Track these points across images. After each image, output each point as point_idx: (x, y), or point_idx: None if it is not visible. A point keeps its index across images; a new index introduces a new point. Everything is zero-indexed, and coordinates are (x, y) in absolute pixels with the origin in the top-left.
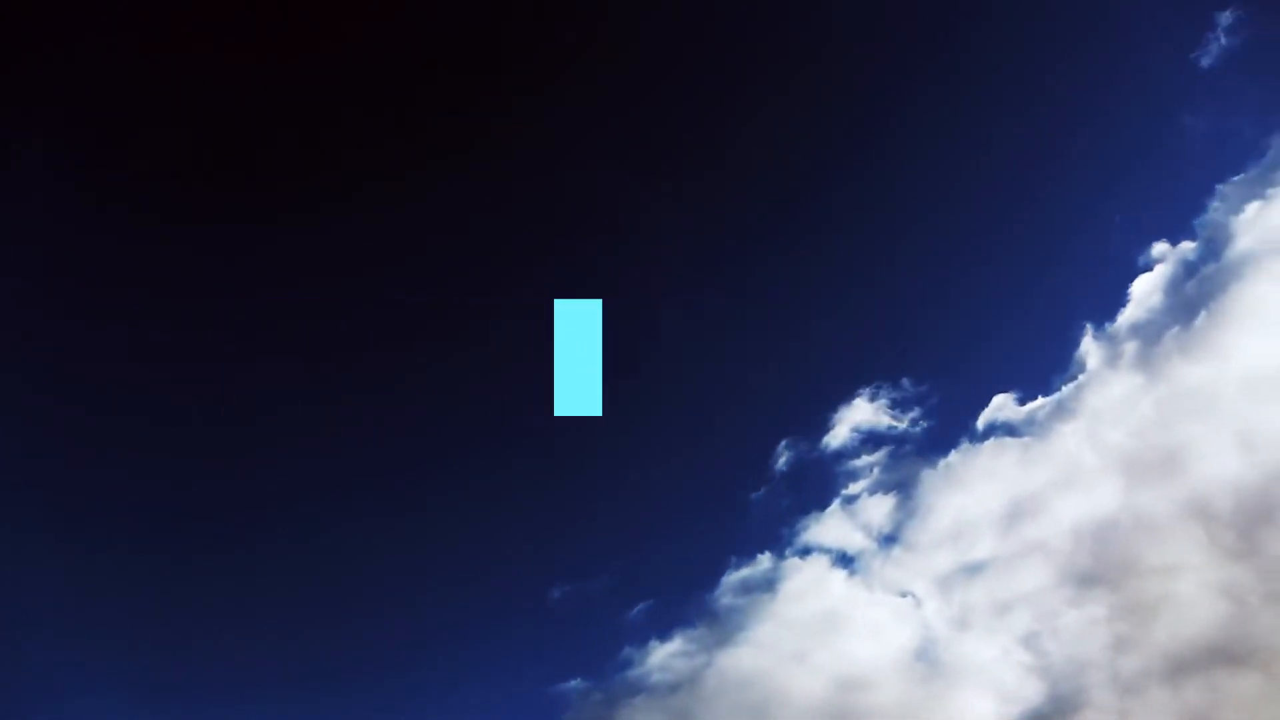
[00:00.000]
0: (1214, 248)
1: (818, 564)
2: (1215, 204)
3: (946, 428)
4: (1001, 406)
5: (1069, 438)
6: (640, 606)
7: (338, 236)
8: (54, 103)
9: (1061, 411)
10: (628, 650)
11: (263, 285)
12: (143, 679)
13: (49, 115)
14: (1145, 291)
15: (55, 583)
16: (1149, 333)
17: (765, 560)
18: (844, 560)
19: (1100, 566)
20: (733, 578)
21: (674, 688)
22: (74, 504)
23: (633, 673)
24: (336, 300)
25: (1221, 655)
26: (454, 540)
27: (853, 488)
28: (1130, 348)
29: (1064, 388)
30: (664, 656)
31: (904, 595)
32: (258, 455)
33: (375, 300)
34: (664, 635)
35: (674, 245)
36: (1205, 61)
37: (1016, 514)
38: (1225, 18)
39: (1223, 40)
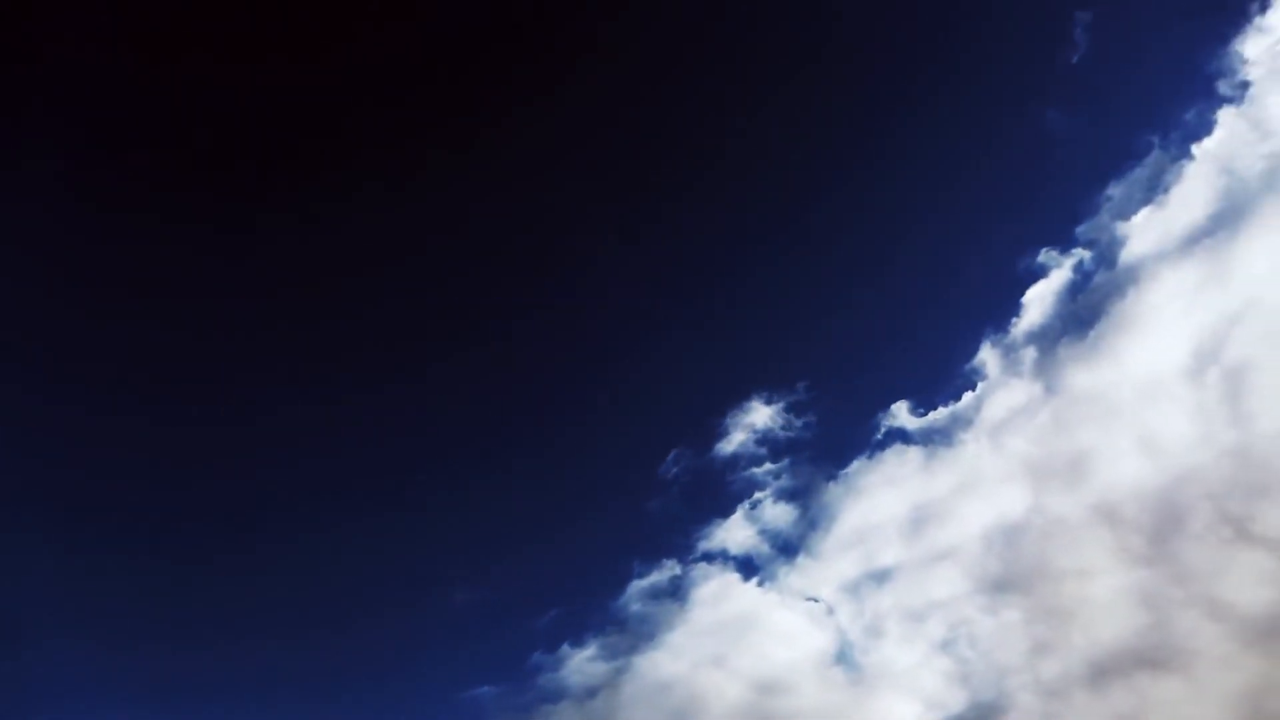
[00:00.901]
0: (1106, 254)
1: (724, 570)
2: (1104, 209)
3: (846, 436)
4: (900, 414)
5: (970, 445)
6: (548, 614)
7: (336, 238)
8: (54, 105)
9: (961, 420)
10: (538, 656)
11: (262, 286)
12: (146, 680)
13: (49, 117)
14: (1039, 299)
15: (57, 584)
16: (1045, 340)
17: (671, 567)
18: (750, 566)
19: (1011, 572)
20: (639, 585)
21: (591, 692)
22: (76, 506)
23: (546, 678)
24: (334, 301)
25: (1141, 659)
26: (361, 547)
27: (756, 494)
28: (1027, 355)
29: (963, 396)
30: (578, 662)
31: (813, 601)
32: (251, 456)
33: (371, 301)
34: (576, 641)
35: (567, 250)
36: (1074, 59)
37: (922, 520)
38: (1085, 16)
39: (1084, 41)
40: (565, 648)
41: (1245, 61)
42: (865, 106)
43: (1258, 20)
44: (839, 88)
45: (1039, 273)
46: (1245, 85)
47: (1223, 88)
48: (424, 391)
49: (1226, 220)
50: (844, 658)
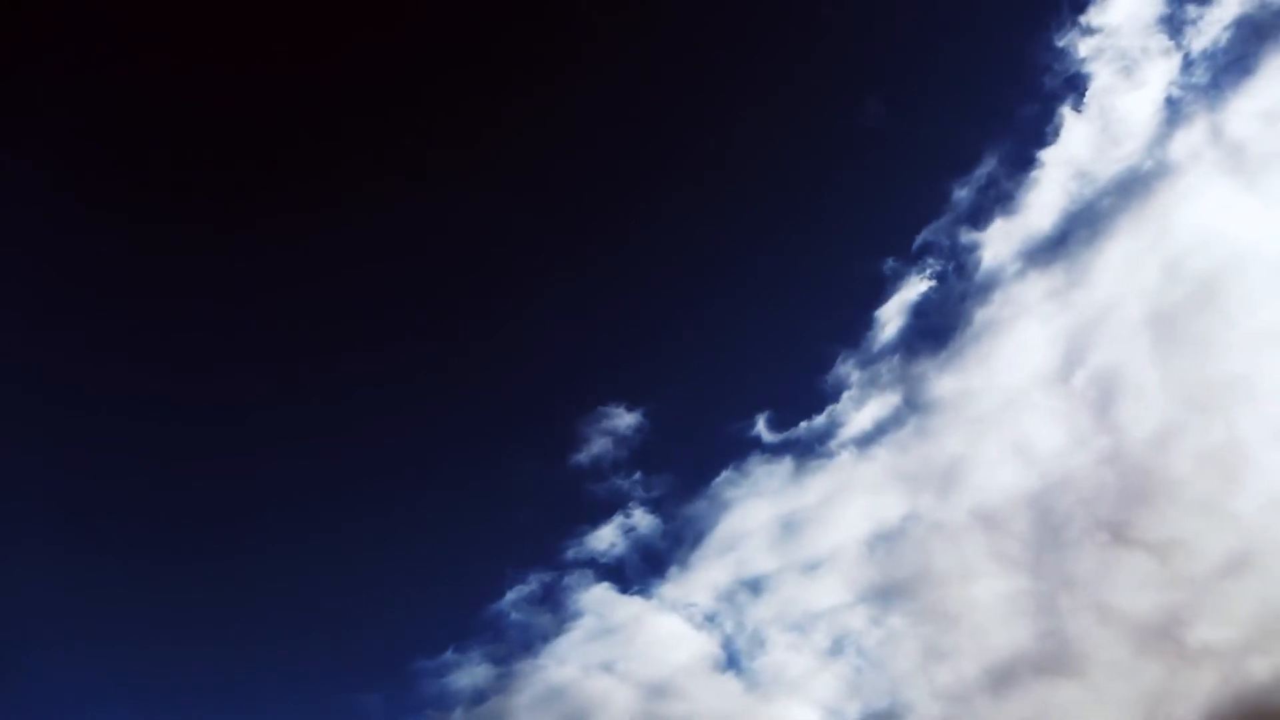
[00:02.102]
0: (962, 263)
1: (598, 579)
2: (953, 217)
3: (712, 448)
4: (764, 427)
5: (837, 456)
6: (427, 619)
7: (335, 239)
8: (53, 107)
9: (826, 431)
10: (421, 661)
11: (262, 287)
12: (148, 684)
13: (49, 119)
14: (896, 310)
15: (57, 585)
16: (906, 351)
17: (545, 575)
18: (623, 575)
19: (893, 579)
20: (517, 592)
21: (480, 697)
22: (75, 507)
23: (431, 684)
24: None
25: (1037, 665)
26: (247, 550)
27: (625, 504)
28: (888, 365)
29: (826, 408)
30: (463, 667)
31: (692, 608)
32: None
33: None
34: (459, 647)
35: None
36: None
37: (794, 530)
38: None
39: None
40: (449, 654)
41: (1081, 62)
42: (721, 114)
43: (1085, 20)
44: (693, 97)
45: (893, 283)
46: (1083, 87)
47: (1062, 90)
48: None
49: (1081, 226)
50: (734, 664)
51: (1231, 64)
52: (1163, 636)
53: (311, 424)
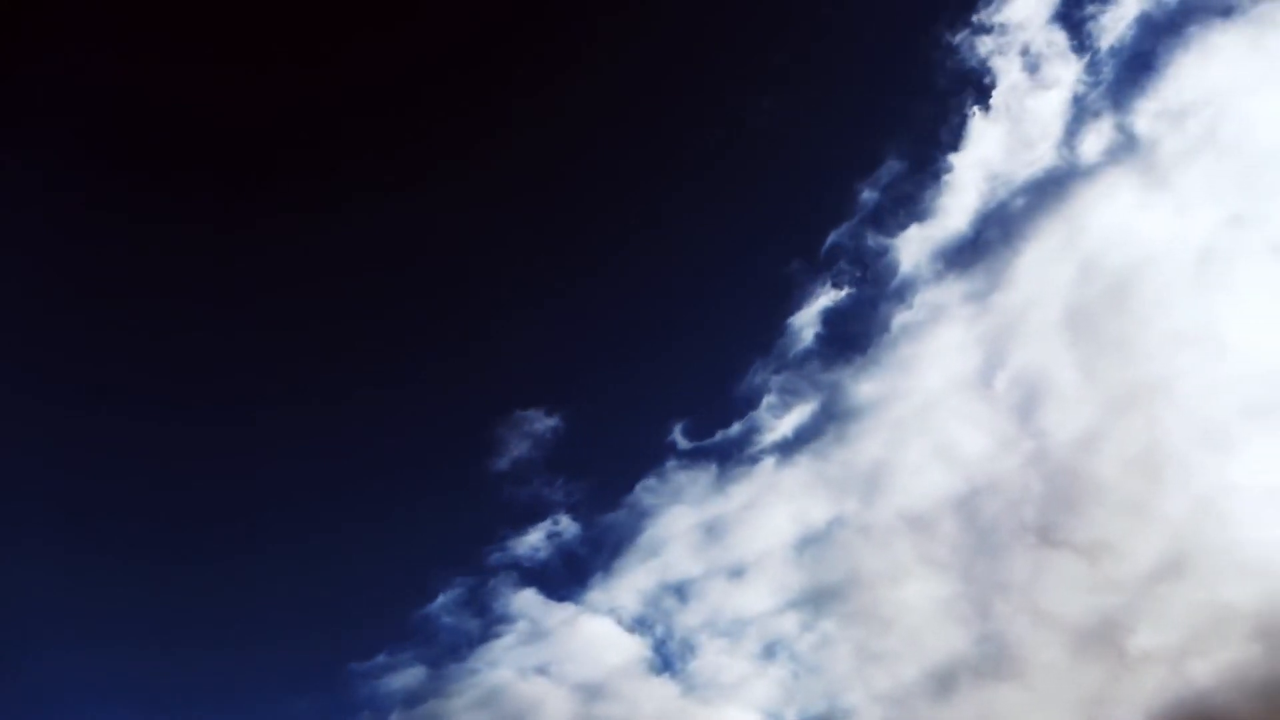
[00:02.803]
0: (877, 269)
1: (525, 584)
2: (866, 223)
3: (632, 456)
4: (684, 435)
5: (759, 463)
6: (359, 623)
7: (333, 241)
8: (54, 108)
9: (746, 439)
10: (355, 665)
11: (262, 289)
12: (149, 685)
13: (49, 120)
14: (815, 316)
15: (57, 586)
16: (824, 358)
17: (473, 580)
18: (550, 580)
19: (822, 584)
20: (446, 596)
21: (415, 701)
22: (75, 507)
23: (365, 687)
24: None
25: (976, 669)
26: (181, 557)
27: (549, 511)
28: (807, 372)
29: (747, 414)
30: (396, 671)
31: (620, 612)
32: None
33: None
34: (393, 651)
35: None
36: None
37: (719, 536)
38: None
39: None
40: (382, 657)
41: (985, 61)
42: (627, 121)
43: (984, 18)
44: (602, 105)
45: (807, 289)
46: (990, 88)
47: (967, 91)
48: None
49: (995, 228)
50: (668, 667)
51: (1136, 62)
52: (1101, 640)
53: (244, 433)
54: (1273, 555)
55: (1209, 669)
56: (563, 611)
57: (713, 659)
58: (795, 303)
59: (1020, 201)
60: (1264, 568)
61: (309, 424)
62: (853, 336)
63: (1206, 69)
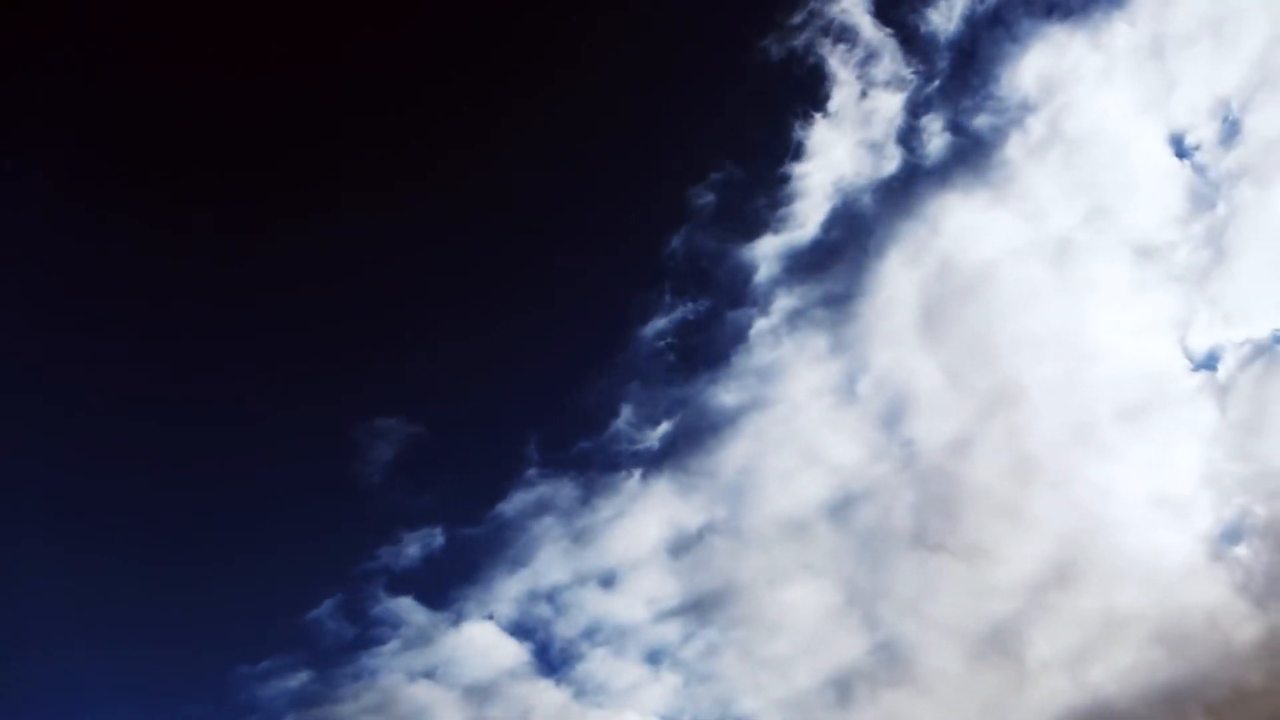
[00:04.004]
0: (731, 277)
1: (400, 592)
2: (712, 230)
3: (497, 466)
4: (547, 446)
5: (623, 472)
6: (241, 628)
7: (332, 243)
8: (53, 109)
9: (611, 449)
10: (243, 669)
11: (261, 290)
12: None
13: (48, 122)
14: (669, 327)
15: (57, 587)
16: (684, 366)
17: (355, 587)
18: (426, 587)
19: (701, 593)
20: (332, 603)
21: (303, 705)
22: (76, 509)
23: (252, 692)
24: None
25: (870, 676)
26: (71, 558)
27: (414, 520)
28: (666, 382)
29: (610, 426)
30: (284, 676)
31: (499, 619)
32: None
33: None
34: (279, 656)
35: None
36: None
37: (589, 544)
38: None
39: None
40: (268, 662)
41: (824, 66)
42: (475, 125)
43: (823, 20)
44: (447, 110)
45: (659, 303)
46: (828, 92)
47: (808, 95)
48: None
49: (845, 233)
50: (553, 672)
51: (971, 60)
52: (997, 647)
53: (127, 433)
54: (1162, 560)
55: (1109, 674)
56: (441, 618)
57: (598, 665)
58: (647, 313)
59: (869, 205)
60: (1156, 572)
61: (192, 426)
62: (710, 346)
63: (1043, 66)
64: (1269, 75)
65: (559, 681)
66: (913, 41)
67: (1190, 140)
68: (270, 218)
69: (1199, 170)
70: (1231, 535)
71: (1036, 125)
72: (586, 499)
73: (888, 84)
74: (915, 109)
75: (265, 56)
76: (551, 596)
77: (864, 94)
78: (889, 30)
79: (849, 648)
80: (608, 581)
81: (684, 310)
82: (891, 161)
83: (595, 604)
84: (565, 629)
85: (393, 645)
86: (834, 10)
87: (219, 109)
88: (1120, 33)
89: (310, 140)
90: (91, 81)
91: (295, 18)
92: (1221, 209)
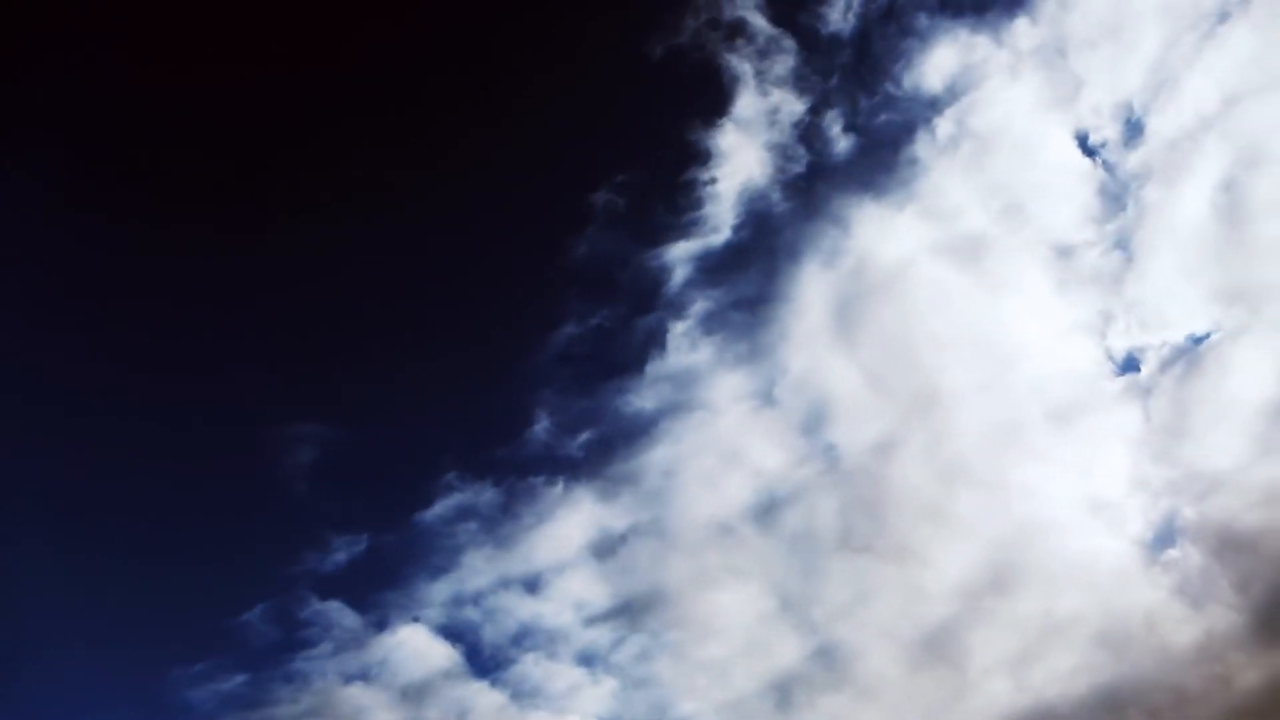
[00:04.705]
0: (644, 282)
1: (332, 595)
2: (620, 236)
3: (417, 472)
4: (467, 457)
5: (544, 478)
6: (172, 632)
7: (330, 244)
8: (52, 111)
9: (531, 456)
10: (175, 672)
11: (259, 291)
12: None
13: (47, 122)
14: (585, 331)
15: (56, 588)
16: (599, 372)
17: (285, 591)
18: (355, 592)
19: (632, 598)
20: (264, 606)
21: (237, 709)
22: (75, 509)
23: (184, 696)
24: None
25: (809, 680)
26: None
27: (344, 523)
28: (581, 388)
29: (524, 434)
30: (216, 680)
31: (428, 623)
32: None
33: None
34: (211, 660)
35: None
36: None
37: (512, 549)
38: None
39: None
40: (200, 667)
41: (728, 67)
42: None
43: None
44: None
45: (570, 310)
46: (733, 94)
47: (715, 97)
48: None
49: (760, 237)
50: (487, 674)
51: (874, 58)
52: (937, 651)
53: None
54: (1097, 563)
55: (1049, 677)
56: (370, 621)
57: (533, 668)
58: (556, 320)
59: (778, 208)
60: (1092, 576)
61: (120, 431)
62: (626, 351)
63: (947, 64)
64: (1168, 77)
65: (494, 683)
66: (811, 40)
67: (1096, 139)
68: (199, 221)
69: (1109, 170)
70: (1163, 539)
71: (944, 124)
72: (508, 506)
73: (789, 84)
74: (818, 109)
75: (277, 54)
76: (477, 600)
77: (766, 95)
78: (786, 30)
79: (786, 652)
80: (534, 586)
81: (598, 317)
82: (798, 163)
83: (522, 608)
84: (494, 633)
85: (325, 648)
86: (729, 10)
87: (228, 108)
88: (1023, 32)
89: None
90: (91, 81)
91: (295, 17)
92: (1131, 211)
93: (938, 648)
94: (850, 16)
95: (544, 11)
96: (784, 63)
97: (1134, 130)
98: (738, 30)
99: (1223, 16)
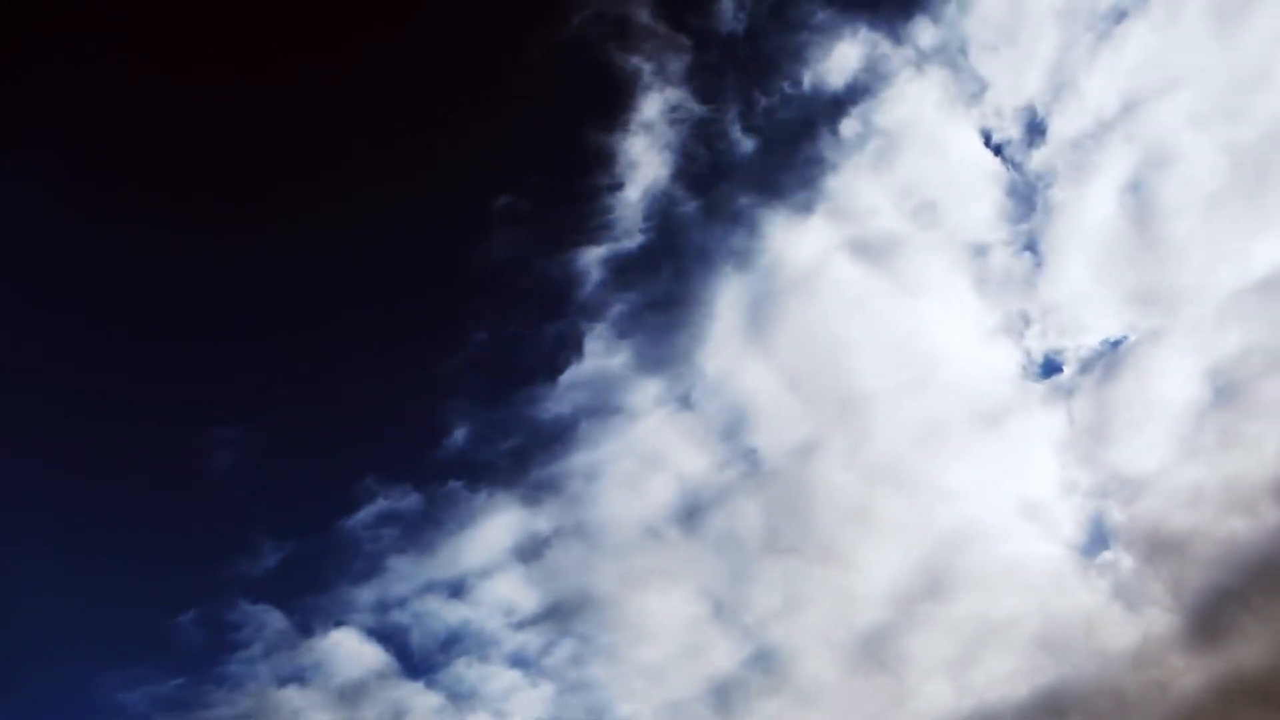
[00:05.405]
0: (550, 286)
1: (260, 599)
2: (525, 244)
3: (335, 479)
4: (387, 457)
5: (460, 484)
6: (102, 636)
7: (246, 251)
8: (51, 111)
9: (445, 461)
10: (107, 676)
11: (258, 292)
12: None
13: (47, 123)
14: (496, 340)
15: (56, 588)
16: (516, 380)
17: (213, 594)
18: (283, 596)
19: (561, 602)
20: (188, 613)
21: (173, 709)
22: (75, 509)
23: (112, 699)
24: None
25: (751, 684)
26: None
27: (267, 525)
28: (497, 394)
29: (445, 439)
30: (149, 684)
31: (354, 622)
32: None
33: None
34: (142, 665)
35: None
36: None
37: (433, 555)
38: None
39: None
40: (131, 671)
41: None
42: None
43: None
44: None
45: (474, 316)
46: (629, 97)
47: (605, 100)
48: None
49: (666, 242)
50: (420, 675)
51: (768, 55)
52: (877, 653)
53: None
54: (1032, 567)
55: (989, 681)
56: (300, 624)
57: (467, 671)
58: (470, 326)
59: (686, 210)
60: (1027, 579)
61: (42, 433)
62: (541, 357)
63: (849, 62)
64: (1067, 78)
65: (429, 685)
66: (705, 39)
67: (1000, 138)
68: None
69: (1017, 170)
70: (1097, 541)
71: (850, 123)
72: (429, 512)
73: (686, 84)
74: (718, 108)
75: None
76: (403, 604)
77: (663, 94)
78: (678, 28)
79: (723, 655)
80: (460, 590)
81: (511, 323)
82: (701, 164)
83: (449, 612)
84: (424, 636)
85: (256, 650)
86: (616, 6)
87: (228, 109)
88: (922, 31)
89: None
90: (91, 81)
91: (295, 17)
92: (1040, 212)
93: (876, 651)
94: (742, 15)
95: (435, 14)
96: (679, 61)
97: (1037, 131)
98: (628, 28)
99: (1119, 17)
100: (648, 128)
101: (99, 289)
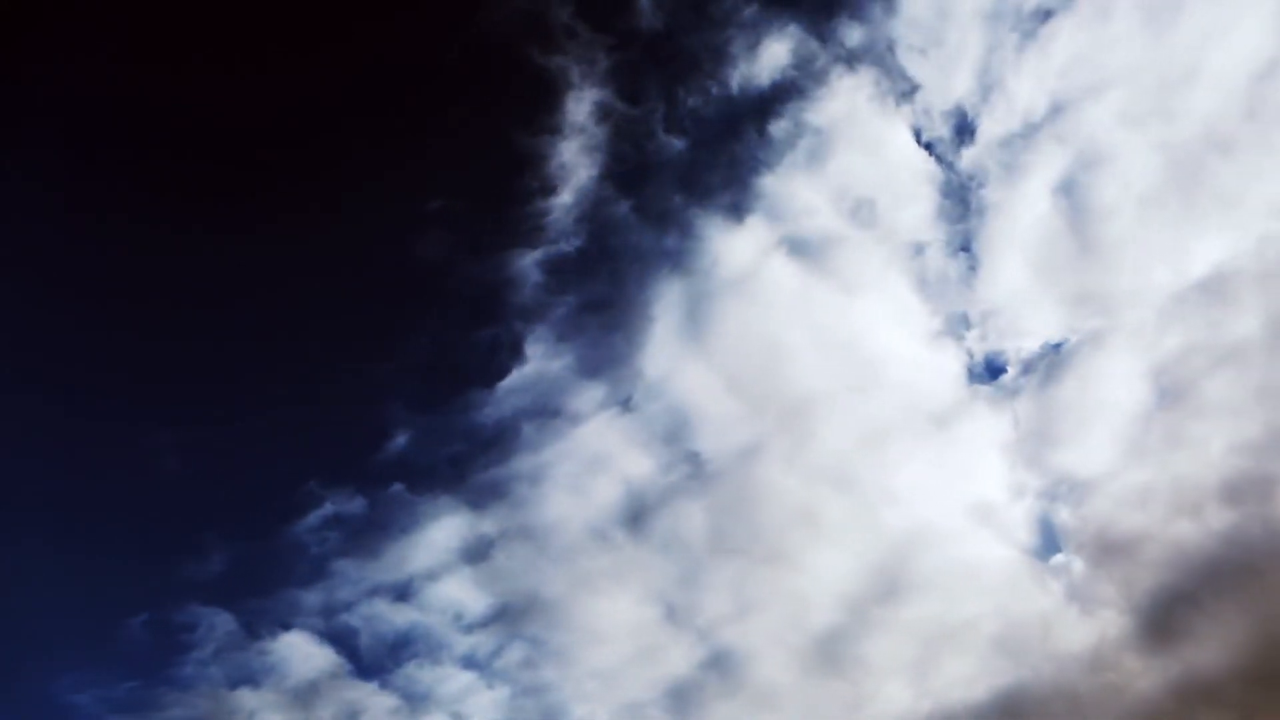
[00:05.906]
0: (490, 296)
1: (210, 601)
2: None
3: (280, 482)
4: (331, 463)
5: (405, 487)
6: (54, 638)
7: (268, 251)
8: (50, 111)
9: (386, 464)
10: (63, 678)
11: (256, 292)
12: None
13: (46, 122)
14: (434, 342)
15: (56, 588)
16: (451, 383)
17: (163, 596)
18: (232, 598)
19: (509, 604)
20: (138, 615)
21: (127, 711)
22: (75, 510)
23: (66, 700)
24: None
25: (707, 687)
26: None
27: (214, 529)
28: (434, 400)
29: (387, 443)
30: (104, 685)
31: (305, 625)
32: None
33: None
34: (92, 667)
35: None
36: None
37: (380, 558)
38: None
39: None
40: (83, 673)
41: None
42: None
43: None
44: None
45: (412, 322)
46: (555, 99)
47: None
48: None
49: (601, 245)
50: (373, 676)
51: (690, 59)
52: (834, 655)
53: None
54: (986, 569)
55: (947, 683)
56: (250, 626)
57: (420, 672)
58: (407, 330)
59: (619, 214)
60: (982, 582)
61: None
62: (482, 360)
63: (775, 60)
64: (994, 78)
65: (383, 685)
66: (626, 38)
67: (931, 136)
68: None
69: (950, 170)
70: (1049, 544)
71: (781, 122)
72: (372, 516)
73: (610, 84)
74: (644, 109)
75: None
76: (350, 607)
77: (588, 95)
78: (598, 28)
79: (677, 658)
80: (406, 594)
81: (449, 326)
82: (629, 164)
83: (397, 615)
84: (373, 639)
85: (207, 651)
86: (540, 9)
87: (228, 109)
88: (849, 32)
89: None
90: (91, 81)
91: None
92: (974, 214)
93: (832, 654)
94: (660, 13)
95: (356, 18)
96: (603, 61)
97: (967, 131)
98: (548, 27)
99: (1045, 16)
100: (577, 129)
101: (58, 287)
